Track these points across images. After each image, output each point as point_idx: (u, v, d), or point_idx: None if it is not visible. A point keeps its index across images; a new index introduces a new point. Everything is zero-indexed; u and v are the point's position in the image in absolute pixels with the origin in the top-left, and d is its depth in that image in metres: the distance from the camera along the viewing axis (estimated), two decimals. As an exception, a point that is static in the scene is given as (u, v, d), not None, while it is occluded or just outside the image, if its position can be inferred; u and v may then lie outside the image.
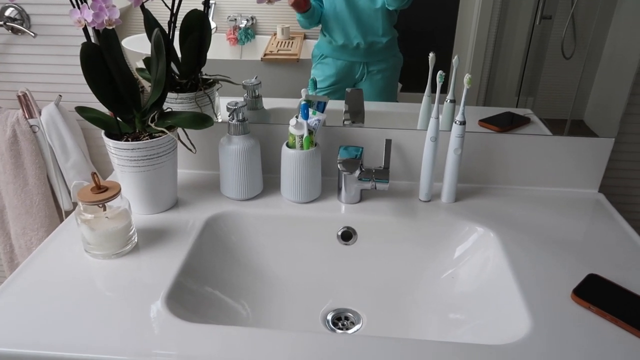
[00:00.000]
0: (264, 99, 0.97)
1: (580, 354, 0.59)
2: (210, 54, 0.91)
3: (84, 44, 0.73)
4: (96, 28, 0.71)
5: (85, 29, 0.73)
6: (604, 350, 0.60)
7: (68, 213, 1.08)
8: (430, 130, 0.86)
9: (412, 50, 0.91)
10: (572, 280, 0.71)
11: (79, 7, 0.70)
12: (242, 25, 0.94)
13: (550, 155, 0.94)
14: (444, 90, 0.91)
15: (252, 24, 0.94)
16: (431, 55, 0.89)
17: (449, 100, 0.93)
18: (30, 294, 0.68)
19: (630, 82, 0.89)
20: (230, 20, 0.94)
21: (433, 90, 0.89)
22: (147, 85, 0.90)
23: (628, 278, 0.72)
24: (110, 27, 0.71)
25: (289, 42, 0.95)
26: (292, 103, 0.96)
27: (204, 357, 0.58)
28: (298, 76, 0.96)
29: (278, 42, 0.95)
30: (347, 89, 0.95)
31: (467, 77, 0.81)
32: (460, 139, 0.86)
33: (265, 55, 0.95)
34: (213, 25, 0.93)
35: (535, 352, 0.59)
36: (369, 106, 0.96)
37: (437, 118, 0.85)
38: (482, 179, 0.97)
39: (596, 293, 0.68)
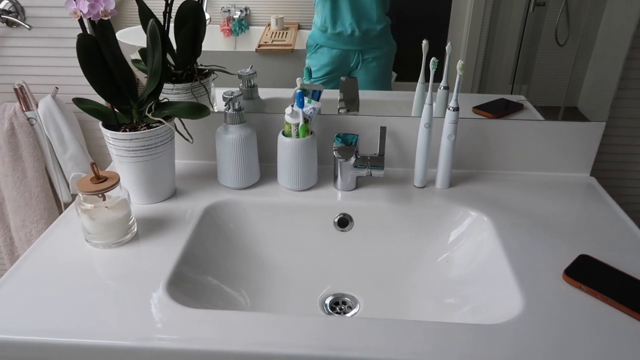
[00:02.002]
0: (260, 90, 0.98)
1: (570, 332, 0.61)
2: (205, 46, 0.92)
3: (79, 35, 0.74)
4: (92, 19, 0.71)
5: (81, 20, 0.73)
6: (594, 327, 0.62)
7: (67, 205, 1.09)
8: (424, 117, 0.87)
9: (406, 39, 0.92)
10: (564, 261, 0.73)
11: (74, -1, 0.70)
12: (236, 16, 0.94)
13: (542, 140, 0.95)
14: (440, 78, 0.92)
15: (246, 14, 0.94)
16: (424, 42, 0.90)
17: (442, 87, 0.94)
18: (33, 283, 0.69)
19: (621, 66, 0.90)
20: (224, 12, 0.94)
21: (427, 78, 0.90)
22: (142, 77, 0.91)
23: (619, 258, 0.73)
24: (106, 18, 0.71)
25: (283, 33, 0.95)
26: (288, 93, 0.97)
27: (206, 341, 0.60)
28: (293, 66, 0.97)
29: (272, 32, 0.95)
30: (341, 78, 0.96)
31: (459, 63, 0.82)
32: (453, 125, 0.87)
33: (259, 46, 0.96)
34: (207, 16, 0.93)
35: (526, 331, 0.61)
36: (364, 95, 0.97)
37: (431, 105, 0.86)
38: (476, 164, 0.98)
39: (587, 273, 0.70)
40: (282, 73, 0.97)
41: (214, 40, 0.95)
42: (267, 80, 0.97)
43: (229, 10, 0.94)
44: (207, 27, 0.92)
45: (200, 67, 0.95)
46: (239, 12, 0.94)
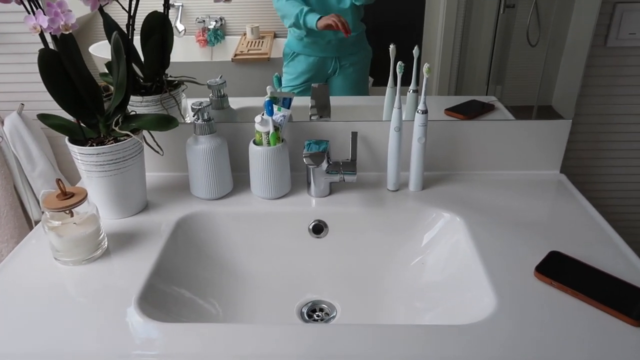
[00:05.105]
0: (236, 99, 0.97)
1: (542, 328, 0.61)
2: (181, 57, 0.91)
3: (41, 50, 0.73)
4: (52, 33, 0.70)
5: (42, 35, 0.72)
6: (564, 321, 0.62)
7: (38, 223, 1.07)
8: (393, 121, 0.87)
9: (381, 45, 0.92)
10: (535, 258, 0.73)
11: (34, 13, 0.69)
12: (211, 27, 0.94)
13: (512, 139, 0.96)
14: (410, 82, 0.93)
15: (221, 24, 0.94)
16: (392, 47, 0.90)
17: (411, 91, 0.95)
18: (1, 305, 0.67)
19: (583, 64, 0.91)
20: (199, 22, 0.94)
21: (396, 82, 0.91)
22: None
23: (588, 253, 0.74)
24: (67, 32, 0.70)
25: (259, 42, 0.95)
26: (263, 102, 0.96)
27: (186, 355, 0.59)
28: (269, 75, 0.97)
29: (248, 42, 0.95)
30: (312, 84, 0.96)
31: (425, 66, 0.83)
32: (423, 128, 0.88)
33: (235, 55, 0.96)
34: (181, 27, 0.93)
35: (499, 329, 0.61)
36: (339, 101, 0.97)
37: (400, 108, 0.87)
38: (448, 166, 0.99)
39: (557, 269, 0.70)
40: (259, 82, 0.96)
41: (189, 51, 0.94)
42: (244, 90, 0.97)
43: (204, 21, 0.93)
44: (183, 39, 0.91)
45: (169, 78, 0.94)
46: (214, 22, 0.93)
